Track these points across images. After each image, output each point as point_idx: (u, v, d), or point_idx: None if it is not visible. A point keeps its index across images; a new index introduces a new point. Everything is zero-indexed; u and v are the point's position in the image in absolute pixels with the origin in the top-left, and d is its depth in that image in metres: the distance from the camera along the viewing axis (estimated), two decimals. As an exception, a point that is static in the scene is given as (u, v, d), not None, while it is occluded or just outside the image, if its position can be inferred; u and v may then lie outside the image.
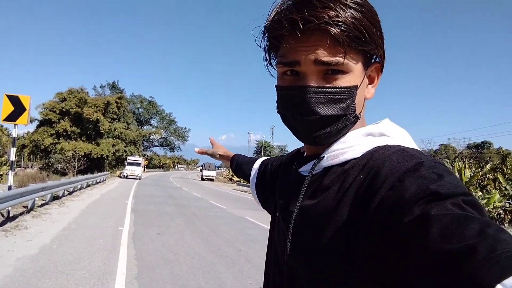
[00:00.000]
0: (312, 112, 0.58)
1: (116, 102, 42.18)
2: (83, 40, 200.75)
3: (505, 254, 0.35)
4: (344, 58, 0.56)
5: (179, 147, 68.02)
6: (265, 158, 1.12)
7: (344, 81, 0.57)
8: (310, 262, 0.57)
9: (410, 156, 0.52)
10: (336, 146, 0.62)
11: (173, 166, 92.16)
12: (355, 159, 0.59)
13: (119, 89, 52.04)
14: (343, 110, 0.58)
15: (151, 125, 64.16)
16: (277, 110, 0.66)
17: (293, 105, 0.60)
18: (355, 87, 0.58)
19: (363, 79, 0.60)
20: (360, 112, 0.63)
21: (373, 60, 0.63)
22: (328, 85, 0.57)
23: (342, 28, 0.54)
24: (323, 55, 0.55)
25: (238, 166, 1.27)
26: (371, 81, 0.65)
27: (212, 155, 1.42)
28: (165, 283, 4.36)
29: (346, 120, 0.60)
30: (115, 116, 42.32)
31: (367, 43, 0.57)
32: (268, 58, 0.65)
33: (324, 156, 0.62)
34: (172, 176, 50.39)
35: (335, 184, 0.58)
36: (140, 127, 57.64)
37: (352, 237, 0.51)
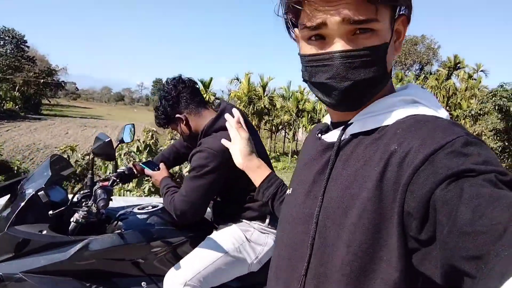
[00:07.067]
0: (346, 79, 0.54)
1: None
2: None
3: None
4: (376, 15, 0.51)
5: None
6: None
7: (374, 40, 0.53)
8: (345, 224, 0.55)
9: (445, 128, 0.50)
10: (366, 111, 0.59)
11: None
12: (386, 126, 0.56)
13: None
14: (376, 71, 0.55)
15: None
16: (303, 79, 0.63)
17: (324, 73, 0.56)
18: (386, 45, 0.54)
19: (392, 34, 0.56)
20: (390, 70, 0.59)
21: (398, 12, 0.57)
22: (359, 48, 0.54)
23: None
24: (352, 13, 0.51)
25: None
26: (398, 36, 0.59)
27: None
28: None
29: (380, 82, 0.57)
30: None
31: None
32: (289, 25, 0.62)
33: (352, 122, 0.60)
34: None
35: (365, 152, 0.56)
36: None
37: (387, 211, 0.50)
